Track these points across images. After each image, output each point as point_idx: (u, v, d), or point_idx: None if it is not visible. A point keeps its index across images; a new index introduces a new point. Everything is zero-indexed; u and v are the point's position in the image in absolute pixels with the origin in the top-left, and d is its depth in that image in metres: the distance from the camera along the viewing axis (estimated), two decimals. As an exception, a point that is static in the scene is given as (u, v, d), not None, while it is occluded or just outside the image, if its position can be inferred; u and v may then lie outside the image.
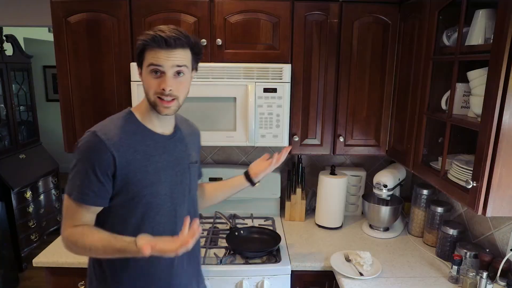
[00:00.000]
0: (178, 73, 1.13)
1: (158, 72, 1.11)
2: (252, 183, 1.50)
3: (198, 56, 1.20)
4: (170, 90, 1.11)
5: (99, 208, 1.16)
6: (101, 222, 1.17)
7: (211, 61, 1.80)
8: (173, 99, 1.14)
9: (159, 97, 1.12)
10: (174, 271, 1.25)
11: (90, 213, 1.15)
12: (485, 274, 1.39)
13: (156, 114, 1.18)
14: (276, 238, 1.83)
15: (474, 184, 1.21)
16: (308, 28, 1.79)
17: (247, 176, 1.51)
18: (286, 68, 1.76)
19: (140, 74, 1.17)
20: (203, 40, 1.76)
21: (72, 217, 1.13)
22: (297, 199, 2.14)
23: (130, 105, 1.78)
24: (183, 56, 1.12)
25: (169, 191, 1.22)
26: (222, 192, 1.55)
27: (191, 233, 1.00)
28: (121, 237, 1.08)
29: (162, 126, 1.23)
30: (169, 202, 1.22)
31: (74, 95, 1.82)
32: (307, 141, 1.93)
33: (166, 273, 1.24)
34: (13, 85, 3.61)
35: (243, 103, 1.77)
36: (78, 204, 1.12)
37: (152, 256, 1.01)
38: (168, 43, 1.08)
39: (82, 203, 1.11)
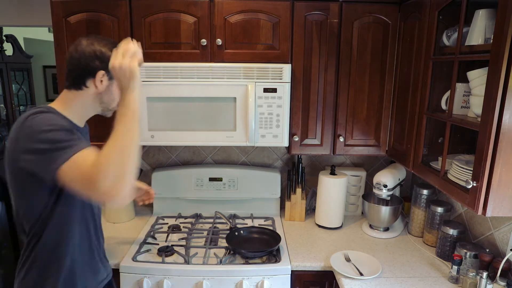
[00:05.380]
0: None
1: None
2: None
3: None
4: None
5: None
6: None
7: (211, 61, 1.80)
8: None
9: (117, 105, 1.22)
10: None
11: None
12: (485, 274, 1.39)
13: (81, 112, 1.25)
14: (276, 238, 1.83)
15: (474, 184, 1.21)
16: (308, 28, 1.79)
17: None
18: (286, 68, 1.76)
19: (101, 82, 1.20)
20: (203, 40, 1.77)
21: (84, 162, 1.06)
22: (297, 199, 2.14)
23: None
24: None
25: None
26: None
27: None
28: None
29: (81, 121, 1.28)
30: None
31: (74, 95, 1.82)
32: (307, 141, 1.93)
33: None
34: (13, 85, 3.61)
35: (243, 103, 1.77)
36: (77, 154, 1.07)
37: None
38: None
39: (83, 149, 1.09)
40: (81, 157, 1.07)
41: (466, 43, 1.33)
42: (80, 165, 1.06)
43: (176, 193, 2.18)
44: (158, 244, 1.84)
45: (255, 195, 2.18)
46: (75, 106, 1.22)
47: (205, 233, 1.97)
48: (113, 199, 1.03)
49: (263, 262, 1.70)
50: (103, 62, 1.17)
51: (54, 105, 1.23)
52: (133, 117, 1.08)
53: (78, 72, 1.19)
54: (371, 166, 2.33)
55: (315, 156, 2.32)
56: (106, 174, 1.01)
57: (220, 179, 2.18)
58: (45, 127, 1.08)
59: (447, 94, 1.46)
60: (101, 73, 1.18)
